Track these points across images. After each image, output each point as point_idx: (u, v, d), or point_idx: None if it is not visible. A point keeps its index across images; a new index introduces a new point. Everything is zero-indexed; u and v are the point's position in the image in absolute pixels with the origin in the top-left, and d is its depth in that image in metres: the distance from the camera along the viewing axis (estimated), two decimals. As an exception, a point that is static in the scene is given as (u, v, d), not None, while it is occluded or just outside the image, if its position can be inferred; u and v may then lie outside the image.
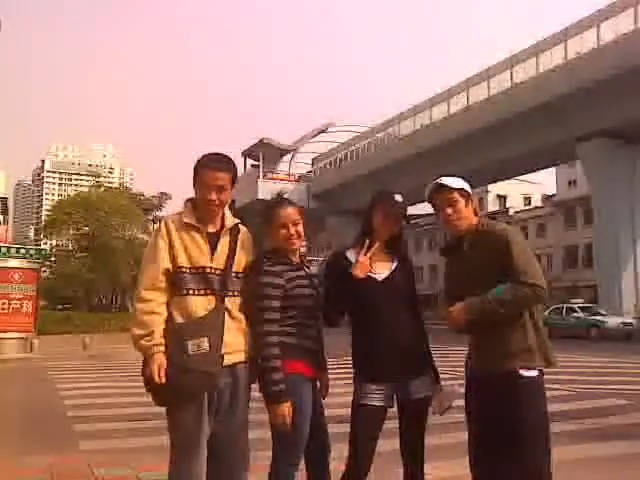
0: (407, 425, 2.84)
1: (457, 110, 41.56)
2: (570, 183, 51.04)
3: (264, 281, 2.69)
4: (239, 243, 2.76)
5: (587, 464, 5.05)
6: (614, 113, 31.10)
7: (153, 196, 56.97)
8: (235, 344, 2.64)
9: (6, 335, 17.80)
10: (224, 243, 2.72)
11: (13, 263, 18.85)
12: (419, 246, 63.69)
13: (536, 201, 59.68)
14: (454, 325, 2.74)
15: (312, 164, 60.60)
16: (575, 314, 26.88)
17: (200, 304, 2.60)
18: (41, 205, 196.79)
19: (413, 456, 2.84)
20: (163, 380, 2.46)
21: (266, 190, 51.25)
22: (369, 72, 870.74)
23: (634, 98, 29.50)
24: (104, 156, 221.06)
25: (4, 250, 20.33)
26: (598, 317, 26.48)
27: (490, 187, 57.00)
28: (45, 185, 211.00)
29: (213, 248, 2.68)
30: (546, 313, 25.81)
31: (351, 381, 2.84)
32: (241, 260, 2.74)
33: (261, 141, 60.84)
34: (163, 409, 2.65)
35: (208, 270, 2.63)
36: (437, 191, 2.82)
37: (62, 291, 52.12)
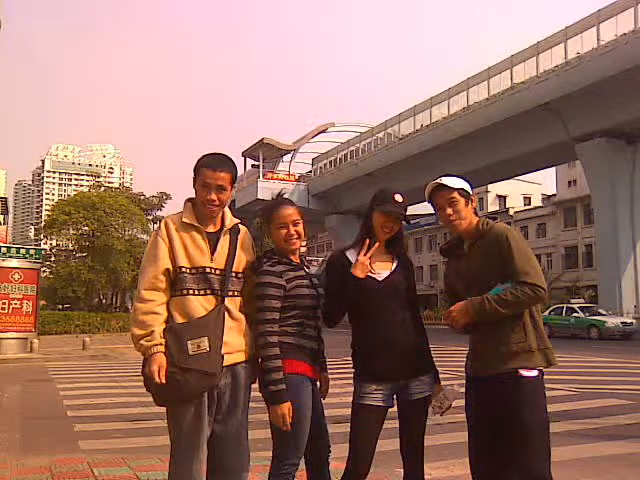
0: (407, 425, 2.84)
1: (457, 110, 41.56)
2: (570, 183, 51.01)
3: (264, 281, 2.70)
4: (239, 243, 2.76)
5: (587, 464, 5.06)
6: (614, 113, 31.11)
7: (153, 196, 56.95)
8: (235, 344, 2.64)
9: (6, 335, 17.83)
10: (224, 243, 2.71)
11: (13, 263, 18.88)
12: (419, 246, 63.72)
13: (536, 201, 59.66)
14: (454, 325, 2.74)
15: (312, 164, 60.59)
16: (575, 314, 26.85)
17: (200, 304, 2.60)
18: (41, 205, 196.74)
19: (413, 456, 2.83)
20: (163, 380, 2.46)
21: (266, 190, 51.24)
22: (369, 72, 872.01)
23: (634, 98, 29.51)
24: (104, 156, 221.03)
25: (4, 250, 20.36)
26: (598, 317, 26.46)
27: (490, 187, 57.00)
28: (45, 185, 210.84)
29: (213, 248, 2.68)
30: (546, 313, 25.80)
31: (351, 381, 2.84)
32: (241, 260, 2.74)
33: (261, 141, 60.83)
34: (163, 409, 2.65)
35: (208, 270, 2.63)
36: (437, 191, 2.82)
37: (62, 291, 52.08)
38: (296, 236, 2.81)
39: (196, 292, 2.61)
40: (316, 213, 53.29)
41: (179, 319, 2.58)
